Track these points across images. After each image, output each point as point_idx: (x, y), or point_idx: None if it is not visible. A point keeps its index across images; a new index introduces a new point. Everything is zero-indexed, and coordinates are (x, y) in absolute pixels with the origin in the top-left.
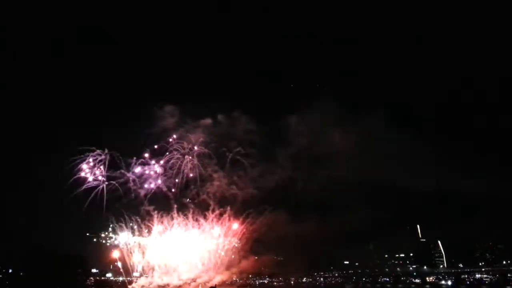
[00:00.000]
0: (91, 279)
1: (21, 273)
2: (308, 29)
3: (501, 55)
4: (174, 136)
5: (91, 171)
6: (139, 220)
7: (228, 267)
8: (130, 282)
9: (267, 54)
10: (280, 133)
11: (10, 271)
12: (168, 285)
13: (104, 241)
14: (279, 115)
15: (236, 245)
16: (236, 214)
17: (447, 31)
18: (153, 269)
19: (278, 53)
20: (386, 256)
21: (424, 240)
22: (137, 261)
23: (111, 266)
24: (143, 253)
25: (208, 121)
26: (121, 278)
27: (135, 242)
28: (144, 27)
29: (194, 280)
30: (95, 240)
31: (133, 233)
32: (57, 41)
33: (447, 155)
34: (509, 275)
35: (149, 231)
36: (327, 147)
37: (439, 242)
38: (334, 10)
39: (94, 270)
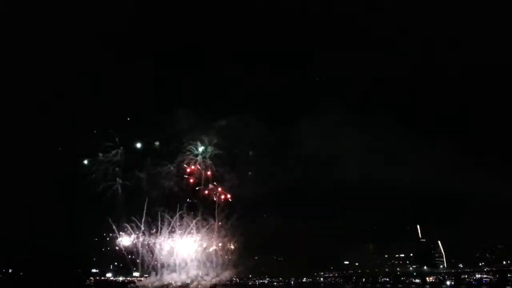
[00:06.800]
0: (91, 279)
1: (21, 273)
2: (315, 30)
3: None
4: (188, 137)
5: (104, 172)
6: (149, 220)
7: (235, 265)
8: (131, 282)
9: (279, 56)
10: (291, 135)
11: (10, 271)
12: (174, 282)
13: (110, 241)
14: (290, 117)
15: (242, 245)
16: (245, 214)
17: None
18: (162, 267)
19: (288, 54)
20: (386, 256)
21: (424, 240)
22: (146, 260)
23: (111, 266)
24: (151, 252)
25: (221, 122)
26: (121, 278)
27: (143, 242)
28: (149, 26)
29: (201, 277)
30: (96, 240)
31: (143, 233)
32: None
33: (448, 155)
34: (509, 275)
35: (159, 231)
36: (333, 148)
37: (439, 242)
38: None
39: (94, 270)
